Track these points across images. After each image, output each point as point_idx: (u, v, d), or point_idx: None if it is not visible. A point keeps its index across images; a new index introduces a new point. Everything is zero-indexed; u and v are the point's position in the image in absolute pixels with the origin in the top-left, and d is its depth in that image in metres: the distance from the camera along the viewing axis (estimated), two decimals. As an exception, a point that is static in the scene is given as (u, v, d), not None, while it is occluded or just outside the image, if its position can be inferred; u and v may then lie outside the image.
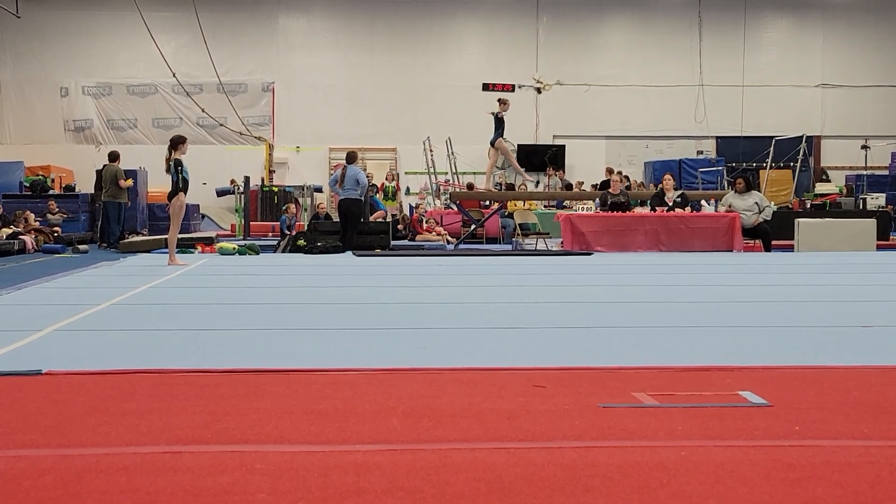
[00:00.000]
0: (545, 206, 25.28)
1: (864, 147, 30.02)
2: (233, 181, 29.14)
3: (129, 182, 21.26)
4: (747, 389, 4.48)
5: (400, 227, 24.00)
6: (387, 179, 28.42)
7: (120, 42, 31.35)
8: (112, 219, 20.61)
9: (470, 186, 27.66)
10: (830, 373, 5.03)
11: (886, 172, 30.51)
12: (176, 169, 14.23)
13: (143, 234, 23.39)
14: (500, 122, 19.22)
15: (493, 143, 19.49)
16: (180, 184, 14.19)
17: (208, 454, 3.36)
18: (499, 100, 19.55)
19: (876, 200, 26.33)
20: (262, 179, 30.30)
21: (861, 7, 32.65)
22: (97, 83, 31.60)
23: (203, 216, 29.21)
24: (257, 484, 3.00)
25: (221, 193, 29.72)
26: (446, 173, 28.90)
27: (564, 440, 3.58)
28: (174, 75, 24.14)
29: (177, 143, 14.35)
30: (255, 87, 31.85)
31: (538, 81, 32.33)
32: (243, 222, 26.11)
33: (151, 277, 11.64)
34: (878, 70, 32.79)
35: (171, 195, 14.33)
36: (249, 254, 17.01)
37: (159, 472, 3.12)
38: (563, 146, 31.93)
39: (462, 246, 20.62)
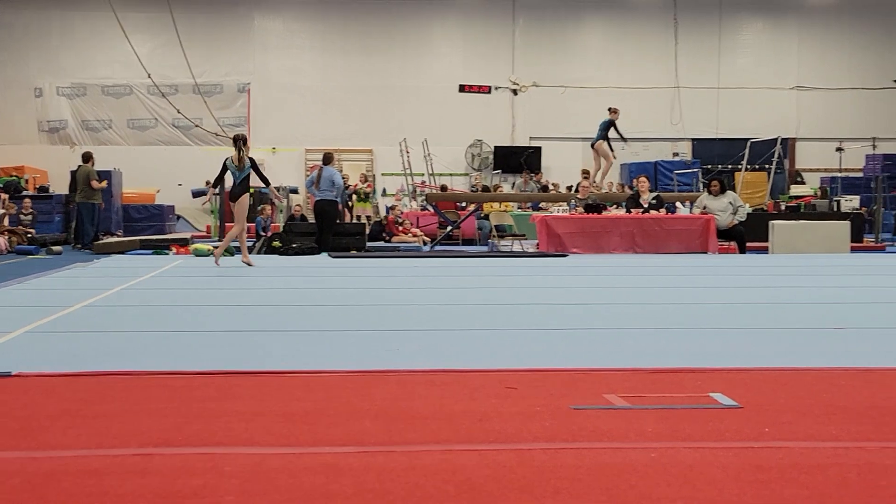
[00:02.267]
0: (521, 208, 25.29)
1: (839, 149, 30.17)
2: (208, 182, 29.00)
3: (103, 183, 21.15)
4: (718, 391, 4.50)
5: (385, 235, 23.81)
6: (360, 181, 28.32)
7: (94, 43, 31.19)
8: (86, 220, 20.51)
9: (443, 188, 27.68)
10: (801, 375, 5.06)
11: (860, 175, 30.68)
12: (255, 167, 14.32)
13: (118, 236, 23.28)
14: (606, 127, 19.40)
15: (592, 145, 19.72)
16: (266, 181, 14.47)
17: (178, 456, 3.35)
18: (609, 108, 19.82)
19: (850, 203, 26.46)
20: (238, 181, 30.14)
21: (836, 10, 32.83)
22: (71, 84, 31.43)
23: (178, 217, 29.10)
24: (226, 486, 2.99)
25: (197, 195, 29.58)
26: (422, 175, 28.88)
27: (535, 442, 3.59)
28: (149, 76, 24.05)
29: (245, 140, 14.50)
30: (231, 88, 31.74)
31: (514, 83, 32.34)
32: (218, 224, 26.01)
33: (125, 279, 11.59)
34: (853, 73, 32.96)
35: (240, 194, 14.24)
36: (224, 255, 16.93)
37: (128, 475, 3.11)
38: (540, 148, 31.96)
39: (438, 247, 20.62)
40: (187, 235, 22.78)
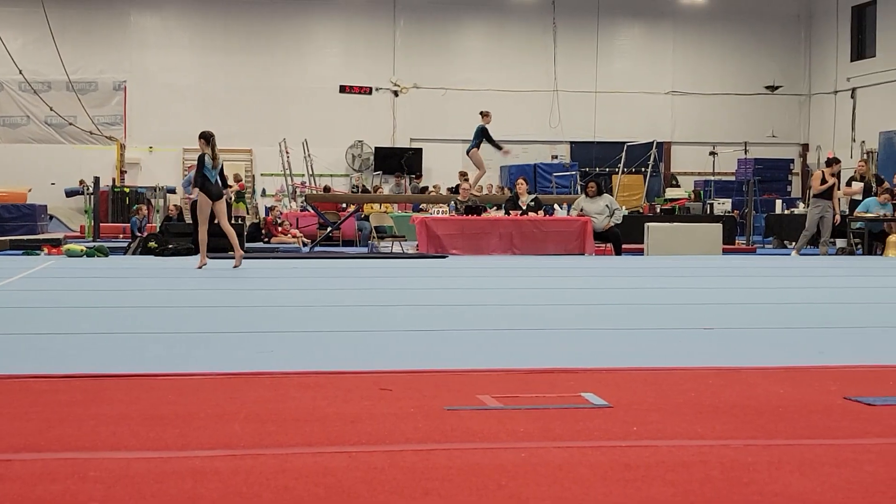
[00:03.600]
0: (401, 209, 25.33)
1: (712, 153, 30.84)
2: (82, 181, 28.42)
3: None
4: (590, 391, 4.54)
5: (264, 236, 23.55)
6: (233, 180, 27.85)
7: (-37, 37, 30.28)
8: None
9: (326, 189, 27.54)
10: (670, 374, 5.15)
11: (733, 178, 31.41)
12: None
13: (-13, 236, 22.63)
14: (479, 133, 19.40)
15: (467, 152, 19.69)
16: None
17: (39, 462, 3.26)
18: (481, 112, 19.80)
19: (723, 206, 27.04)
20: (113, 180, 29.63)
21: (709, 17, 33.54)
22: (-62, 79, 30.49)
23: (51, 217, 28.38)
24: (89, 492, 2.92)
25: (70, 194, 28.96)
26: (303, 175, 28.71)
27: (407, 443, 3.58)
28: (21, 72, 23.44)
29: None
30: (107, 86, 31.10)
31: (395, 84, 32.38)
32: (93, 224, 25.48)
33: (-7, 280, 11.28)
34: (726, 78, 33.74)
35: (220, 194, 13.72)
36: (98, 256, 16.61)
37: (-14, 482, 3.02)
38: (420, 149, 32.03)
39: (318, 248, 20.52)
40: (60, 236, 22.26)
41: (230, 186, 14.28)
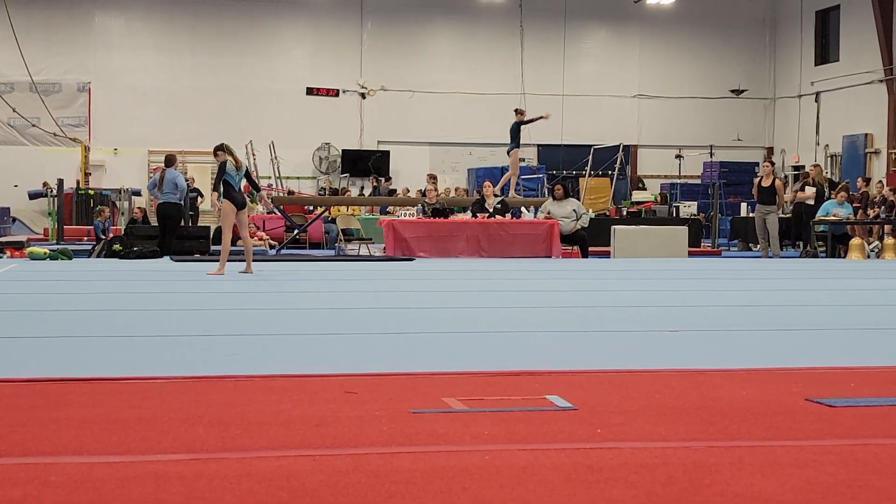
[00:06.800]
0: (368, 212, 25.30)
1: (678, 156, 30.99)
2: (45, 184, 28.21)
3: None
4: (555, 393, 4.55)
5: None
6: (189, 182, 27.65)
7: (-76, 37, 29.99)
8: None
9: (290, 193, 27.47)
10: (636, 376, 5.17)
11: (699, 181, 31.58)
12: (248, 171, 13.59)
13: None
14: (515, 132, 19.52)
15: (508, 152, 19.92)
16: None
17: (0, 467, 3.24)
18: (515, 109, 19.99)
19: (688, 208, 27.19)
20: (78, 182, 29.42)
21: (676, 20, 33.69)
22: None
23: (14, 220, 28.18)
24: (50, 497, 2.90)
25: (34, 196, 28.73)
26: (269, 178, 28.61)
27: (371, 447, 3.58)
28: (-17, 73, 23.25)
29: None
30: (71, 87, 30.86)
31: (362, 87, 32.33)
32: (56, 226, 25.30)
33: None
34: (692, 82, 33.91)
35: (245, 202, 13.48)
36: (62, 258, 16.49)
37: (-55, 488, 2.99)
38: (388, 152, 32.01)
39: (284, 251, 20.47)
40: (23, 238, 22.07)
41: (260, 189, 14.19)
